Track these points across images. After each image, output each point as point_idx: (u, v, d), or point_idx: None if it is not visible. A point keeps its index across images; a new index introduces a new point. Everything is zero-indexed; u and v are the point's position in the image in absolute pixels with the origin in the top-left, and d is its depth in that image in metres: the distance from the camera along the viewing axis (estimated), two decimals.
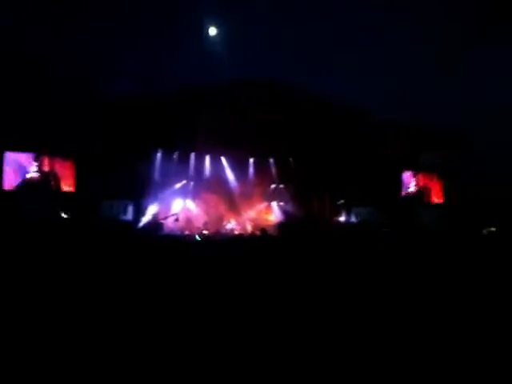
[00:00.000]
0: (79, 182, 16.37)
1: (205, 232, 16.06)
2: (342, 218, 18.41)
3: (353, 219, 18.24)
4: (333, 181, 18.02)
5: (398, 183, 19.28)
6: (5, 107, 14.54)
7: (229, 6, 14.90)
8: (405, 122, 18.12)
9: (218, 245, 12.27)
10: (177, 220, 16.60)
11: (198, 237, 15.23)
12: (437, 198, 19.53)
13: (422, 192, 19.40)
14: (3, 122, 14.79)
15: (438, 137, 18.99)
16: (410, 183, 19.41)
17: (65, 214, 15.56)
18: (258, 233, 14.71)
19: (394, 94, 15.96)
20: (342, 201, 18.48)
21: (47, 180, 16.10)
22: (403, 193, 19.21)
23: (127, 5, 14.28)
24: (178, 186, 17.59)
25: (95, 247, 10.29)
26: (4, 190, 15.31)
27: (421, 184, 19.45)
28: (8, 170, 15.52)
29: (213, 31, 15.95)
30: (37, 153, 15.99)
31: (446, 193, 19.26)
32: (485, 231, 13.94)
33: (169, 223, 16.56)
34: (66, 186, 16.37)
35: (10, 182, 15.52)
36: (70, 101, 15.63)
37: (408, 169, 19.35)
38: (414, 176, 19.43)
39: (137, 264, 7.76)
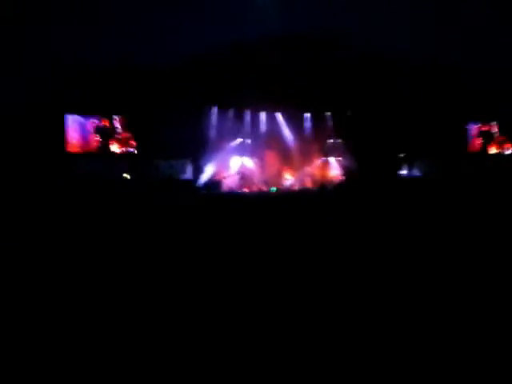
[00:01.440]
0: (139, 142, 16.68)
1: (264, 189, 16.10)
2: (404, 172, 17.77)
3: (416, 173, 17.56)
4: (393, 133, 17.30)
5: (463, 135, 18.25)
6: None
7: None
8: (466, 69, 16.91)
9: (279, 200, 12.28)
10: (242, 178, 16.60)
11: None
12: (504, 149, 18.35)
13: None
14: (63, 85, 15.24)
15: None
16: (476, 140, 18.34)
17: (128, 174, 16.02)
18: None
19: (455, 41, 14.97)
20: (403, 154, 17.78)
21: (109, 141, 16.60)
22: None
23: None
24: (234, 143, 17.54)
25: (158, 207, 10.58)
26: (68, 152, 15.92)
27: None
28: (71, 132, 16.05)
29: None
30: (99, 115, 16.41)
31: None
32: None
33: (228, 181, 16.67)
34: (127, 147, 16.76)
35: (73, 144, 16.08)
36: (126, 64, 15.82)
37: (473, 120, 18.22)
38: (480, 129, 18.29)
39: (199, 222, 7.89)
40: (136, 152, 16.64)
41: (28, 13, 13.92)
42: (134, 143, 16.65)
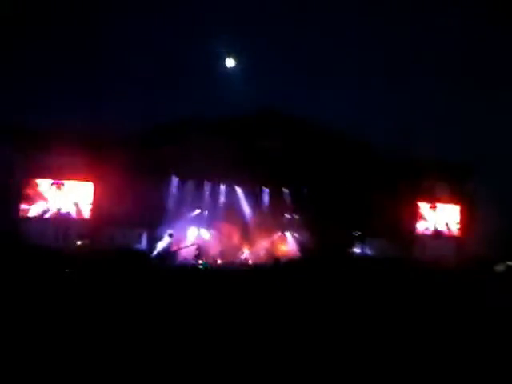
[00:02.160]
0: (94, 208, 16.45)
1: (219, 261, 15.95)
2: (358, 250, 18.15)
3: (368, 251, 17.98)
4: (347, 211, 17.85)
5: (414, 215, 19.10)
6: None
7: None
8: (416, 155, 18.11)
9: (231, 274, 12.16)
10: (197, 249, 16.39)
11: (201, 266, 15.12)
12: (454, 231, 19.29)
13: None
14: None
15: (450, 169, 18.94)
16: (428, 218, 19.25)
17: (80, 241, 15.60)
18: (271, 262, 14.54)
19: (402, 129, 16.10)
20: (358, 232, 18.25)
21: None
22: (421, 229, 19.06)
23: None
24: (192, 214, 17.55)
25: (110, 275, 10.25)
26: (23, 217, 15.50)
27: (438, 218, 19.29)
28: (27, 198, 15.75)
29: (230, 63, 16.25)
30: (56, 179, 16.22)
31: (464, 225, 19.02)
32: (500, 267, 13.71)
33: (183, 252, 16.47)
34: (81, 214, 16.48)
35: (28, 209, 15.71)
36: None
37: (424, 200, 19.20)
38: (431, 208, 19.25)
39: (151, 292, 7.69)
40: (90, 218, 16.37)
41: None
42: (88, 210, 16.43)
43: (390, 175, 18.06)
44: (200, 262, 15.59)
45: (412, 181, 18.44)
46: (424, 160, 18.36)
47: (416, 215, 19.23)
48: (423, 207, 19.36)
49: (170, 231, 16.56)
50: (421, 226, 19.24)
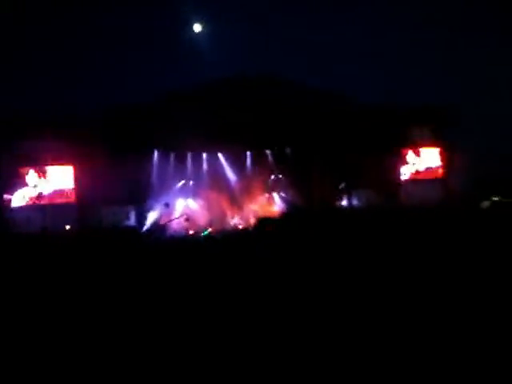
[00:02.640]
0: (80, 191, 16.38)
1: (209, 229, 16.09)
2: (344, 202, 18.42)
3: (355, 202, 18.25)
4: (331, 166, 17.99)
5: (397, 163, 19.32)
6: None
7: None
8: (393, 101, 18.13)
9: (224, 241, 12.33)
10: (187, 220, 16.49)
11: (203, 233, 15.27)
12: (438, 173, 19.61)
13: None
14: None
15: (428, 112, 19.02)
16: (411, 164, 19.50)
17: (68, 225, 15.59)
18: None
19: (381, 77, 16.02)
20: (342, 185, 18.46)
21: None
22: (405, 175, 19.32)
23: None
24: (177, 186, 17.58)
25: (103, 255, 10.33)
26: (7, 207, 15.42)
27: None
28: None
29: (198, 28, 15.89)
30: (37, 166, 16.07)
31: (447, 167, 19.32)
32: (485, 204, 14.00)
33: (173, 224, 16.57)
34: (65, 198, 16.43)
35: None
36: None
37: (405, 146, 19.36)
38: (414, 153, 19.48)
39: (145, 268, 7.81)
40: (76, 201, 16.32)
41: None
42: (73, 193, 16.35)
43: (371, 124, 18.07)
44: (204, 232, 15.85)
45: (394, 127, 18.47)
46: (405, 105, 18.39)
47: (400, 162, 19.42)
48: (406, 154, 19.53)
49: (165, 202, 16.56)
50: (405, 172, 19.46)
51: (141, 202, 16.68)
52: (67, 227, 15.54)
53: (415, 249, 6.65)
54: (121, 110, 16.62)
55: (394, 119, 18.36)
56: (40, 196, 16.14)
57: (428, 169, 19.60)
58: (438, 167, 19.64)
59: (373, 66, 16.22)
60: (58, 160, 16.28)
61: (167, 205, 16.57)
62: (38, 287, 6.23)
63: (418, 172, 19.53)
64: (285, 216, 16.46)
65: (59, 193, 16.40)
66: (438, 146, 19.57)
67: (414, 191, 18.47)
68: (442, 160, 19.54)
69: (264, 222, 13.67)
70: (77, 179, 16.45)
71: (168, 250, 10.47)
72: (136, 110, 16.57)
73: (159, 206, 16.80)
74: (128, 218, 16.67)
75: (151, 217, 16.64)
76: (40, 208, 15.90)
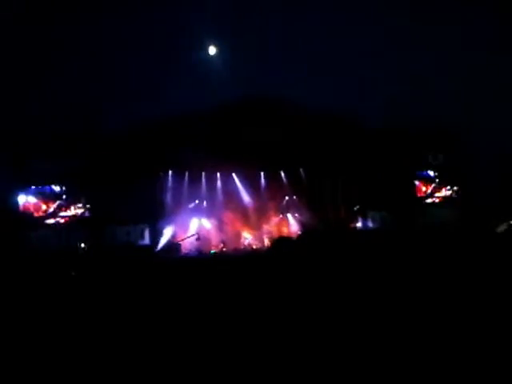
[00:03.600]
0: (94, 209, 16.53)
1: (223, 249, 16.08)
2: (359, 224, 18.28)
3: (369, 224, 18.11)
4: (346, 187, 17.96)
5: (411, 185, 19.20)
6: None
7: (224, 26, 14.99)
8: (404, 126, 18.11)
9: (236, 261, 12.28)
10: (198, 239, 16.53)
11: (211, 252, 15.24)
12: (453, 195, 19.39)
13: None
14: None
15: (438, 139, 18.98)
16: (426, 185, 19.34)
17: (83, 243, 15.69)
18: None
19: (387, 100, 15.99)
20: (357, 206, 18.35)
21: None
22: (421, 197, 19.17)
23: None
24: (191, 206, 17.65)
25: (119, 274, 10.35)
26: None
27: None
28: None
29: (212, 51, 16.14)
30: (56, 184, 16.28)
31: (463, 189, 19.12)
32: (502, 227, 13.74)
33: (186, 244, 16.60)
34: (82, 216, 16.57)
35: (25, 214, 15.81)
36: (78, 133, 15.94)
37: (418, 170, 19.28)
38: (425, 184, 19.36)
39: (158, 287, 7.80)
40: (90, 219, 16.45)
41: None
42: (87, 211, 16.49)
43: (384, 147, 18.07)
44: (211, 251, 15.79)
45: (408, 150, 18.45)
46: (417, 128, 18.36)
47: (414, 184, 19.29)
48: (421, 175, 19.40)
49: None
50: (420, 194, 19.29)
51: (155, 220, 16.76)
52: (82, 245, 15.64)
53: (431, 273, 6.55)
54: (135, 130, 16.86)
55: (409, 140, 18.35)
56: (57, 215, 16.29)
57: (445, 190, 19.37)
58: (454, 189, 19.39)
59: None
60: (74, 178, 16.45)
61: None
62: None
63: (433, 193, 19.32)
64: (301, 237, 16.32)
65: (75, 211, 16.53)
66: (454, 167, 19.36)
67: (430, 213, 18.29)
68: (459, 182, 19.30)
69: (280, 242, 13.55)
70: (93, 197, 16.60)
71: (180, 268, 10.48)
72: (150, 131, 16.78)
73: (172, 226, 16.87)
74: (142, 237, 16.75)
75: (165, 236, 16.68)
76: (54, 226, 16.04)
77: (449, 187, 19.34)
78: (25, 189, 15.89)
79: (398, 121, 17.27)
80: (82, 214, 16.50)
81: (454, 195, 19.26)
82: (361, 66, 16.20)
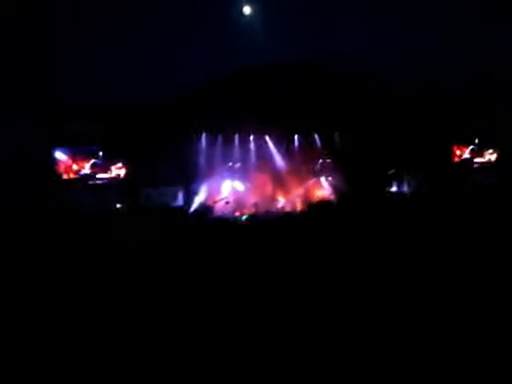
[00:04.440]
0: (129, 171, 16.80)
1: (256, 212, 16.16)
2: (394, 189, 17.94)
3: (405, 189, 17.74)
4: (381, 151, 17.55)
5: (449, 150, 18.56)
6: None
7: None
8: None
9: (268, 224, 12.34)
10: (227, 203, 16.75)
11: (244, 217, 15.33)
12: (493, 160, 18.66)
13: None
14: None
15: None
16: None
17: (119, 204, 16.07)
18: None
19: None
20: (392, 170, 17.97)
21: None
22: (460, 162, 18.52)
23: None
24: (225, 168, 17.71)
25: (153, 235, 10.60)
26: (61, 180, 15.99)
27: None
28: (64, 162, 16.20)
29: (247, 10, 15.66)
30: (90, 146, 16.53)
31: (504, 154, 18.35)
32: None
33: (219, 206, 16.77)
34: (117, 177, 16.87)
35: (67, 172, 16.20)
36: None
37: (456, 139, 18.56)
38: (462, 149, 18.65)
39: (192, 249, 7.94)
40: (126, 180, 16.75)
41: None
42: (123, 173, 16.76)
43: (425, 112, 17.43)
44: (243, 215, 15.92)
45: (448, 116, 17.73)
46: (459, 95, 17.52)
47: (452, 149, 18.66)
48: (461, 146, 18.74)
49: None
50: (458, 159, 18.67)
51: (189, 182, 16.95)
52: (117, 206, 16.02)
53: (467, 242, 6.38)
54: (171, 93, 16.81)
55: (450, 107, 17.58)
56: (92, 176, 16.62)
57: (484, 155, 18.65)
58: (494, 154, 18.64)
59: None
60: (110, 140, 16.68)
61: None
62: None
63: (472, 158, 18.64)
64: (335, 204, 16.19)
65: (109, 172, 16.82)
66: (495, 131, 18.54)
67: (469, 179, 17.72)
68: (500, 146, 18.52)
69: (317, 207, 13.47)
70: (128, 160, 16.84)
71: (213, 231, 10.62)
72: (185, 94, 16.72)
73: (205, 188, 17.04)
74: (176, 199, 16.99)
75: (198, 198, 16.89)
76: (90, 187, 16.41)
77: (491, 151, 18.61)
78: (62, 148, 16.20)
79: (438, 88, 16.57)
80: (124, 175, 16.74)
81: (493, 161, 18.54)
82: (404, 26, 15.41)
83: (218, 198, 17.07)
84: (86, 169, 16.37)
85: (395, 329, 2.98)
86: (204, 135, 17.65)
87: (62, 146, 16.14)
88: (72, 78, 14.95)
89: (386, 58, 15.61)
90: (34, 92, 14.44)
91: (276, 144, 18.26)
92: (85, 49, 13.93)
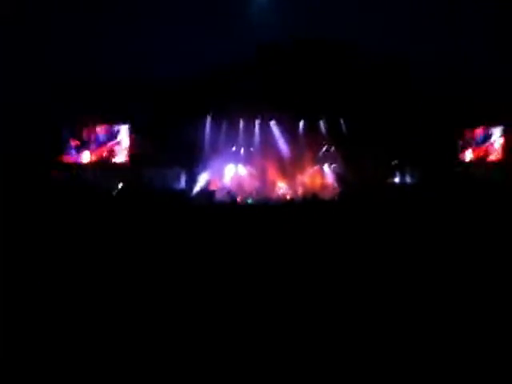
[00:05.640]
0: (132, 150, 16.80)
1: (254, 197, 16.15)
2: (397, 179, 17.86)
3: (407, 180, 17.66)
4: (386, 140, 17.41)
5: (456, 141, 18.40)
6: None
7: None
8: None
9: (269, 211, 12.32)
10: (228, 193, 16.54)
11: (249, 201, 15.27)
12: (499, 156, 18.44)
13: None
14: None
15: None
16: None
17: (120, 184, 16.06)
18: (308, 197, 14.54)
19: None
20: (395, 161, 17.86)
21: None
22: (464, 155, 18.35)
23: None
24: (228, 152, 17.63)
25: (152, 216, 10.60)
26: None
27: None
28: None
29: None
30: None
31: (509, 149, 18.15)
32: None
33: (220, 191, 16.72)
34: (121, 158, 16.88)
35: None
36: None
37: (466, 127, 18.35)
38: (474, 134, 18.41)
39: (191, 233, 7.95)
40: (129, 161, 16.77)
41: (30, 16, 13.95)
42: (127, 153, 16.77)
43: (429, 103, 17.27)
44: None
45: (454, 108, 17.54)
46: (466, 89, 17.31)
47: (458, 141, 18.51)
48: (466, 133, 18.55)
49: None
50: (464, 152, 18.53)
51: (192, 166, 16.89)
52: (119, 185, 16.00)
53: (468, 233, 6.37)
54: (177, 78, 16.70)
55: (456, 100, 17.37)
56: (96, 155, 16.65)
57: (490, 151, 18.45)
58: (500, 149, 18.44)
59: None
60: (114, 119, 16.67)
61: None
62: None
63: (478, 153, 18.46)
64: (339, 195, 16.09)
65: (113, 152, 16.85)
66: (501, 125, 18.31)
67: (473, 172, 17.60)
68: (505, 141, 18.31)
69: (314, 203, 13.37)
70: (131, 139, 16.83)
71: (213, 215, 10.62)
72: (191, 78, 16.60)
73: (208, 172, 16.98)
74: (178, 181, 16.96)
75: (201, 181, 16.85)
76: (95, 167, 16.44)
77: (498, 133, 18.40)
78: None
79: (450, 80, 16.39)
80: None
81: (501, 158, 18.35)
82: (416, 13, 15.23)
83: (218, 187, 16.98)
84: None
85: (395, 319, 3.00)
86: (209, 118, 17.51)
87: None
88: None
89: (399, 43, 15.45)
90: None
91: (281, 130, 18.10)
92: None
